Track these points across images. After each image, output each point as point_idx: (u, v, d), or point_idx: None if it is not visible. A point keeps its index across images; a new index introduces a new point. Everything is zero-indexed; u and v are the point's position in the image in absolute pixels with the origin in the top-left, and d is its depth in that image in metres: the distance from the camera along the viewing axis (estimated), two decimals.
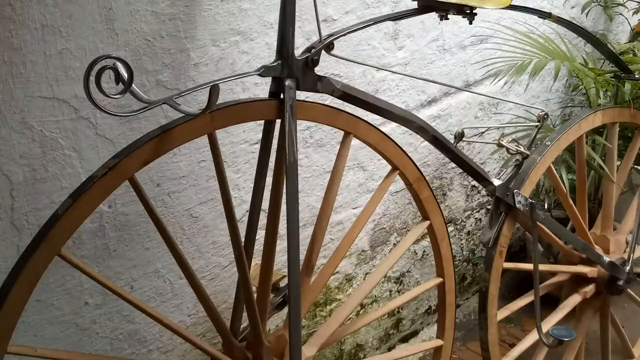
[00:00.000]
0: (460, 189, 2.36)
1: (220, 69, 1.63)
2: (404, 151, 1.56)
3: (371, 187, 2.05)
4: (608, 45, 1.89)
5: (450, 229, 2.41)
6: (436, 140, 1.59)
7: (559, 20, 1.74)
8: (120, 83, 1.12)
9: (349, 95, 1.43)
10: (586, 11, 2.37)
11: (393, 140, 1.54)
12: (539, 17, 1.72)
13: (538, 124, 1.79)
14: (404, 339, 2.37)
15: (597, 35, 2.42)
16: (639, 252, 2.04)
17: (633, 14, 2.38)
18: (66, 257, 1.14)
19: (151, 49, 1.50)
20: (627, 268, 1.94)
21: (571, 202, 1.88)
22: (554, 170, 1.83)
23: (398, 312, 2.31)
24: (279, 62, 1.32)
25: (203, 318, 1.70)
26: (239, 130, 1.69)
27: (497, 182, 1.71)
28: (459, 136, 1.68)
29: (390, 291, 2.26)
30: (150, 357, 1.65)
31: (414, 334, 2.40)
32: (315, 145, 1.88)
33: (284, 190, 1.33)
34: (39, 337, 1.46)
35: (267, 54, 1.71)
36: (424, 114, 2.15)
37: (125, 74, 1.11)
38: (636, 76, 1.94)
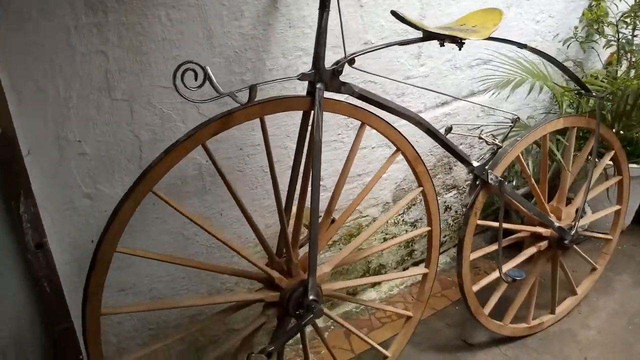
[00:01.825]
0: (462, 165, 2.20)
1: (287, 74, 1.55)
2: (405, 138, 1.44)
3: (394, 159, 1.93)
4: (570, 70, 1.67)
5: (453, 192, 2.26)
6: (430, 132, 1.46)
7: (533, 50, 1.54)
8: (207, 81, 1.08)
9: (364, 96, 1.32)
10: (567, 45, 2.11)
11: (397, 130, 1.42)
12: (518, 47, 1.53)
13: (512, 124, 1.61)
14: (415, 264, 2.26)
15: (571, 62, 2.17)
16: (586, 220, 1.84)
17: (604, 47, 2.09)
18: (157, 193, 1.13)
19: (238, 58, 1.44)
20: (573, 232, 1.75)
21: (533, 181, 1.70)
22: (522, 159, 1.65)
23: (412, 244, 2.20)
24: (313, 71, 1.24)
25: None
26: (298, 114, 1.63)
27: (475, 164, 1.56)
28: (448, 130, 1.53)
29: (406, 231, 2.15)
30: (232, 260, 1.64)
31: (424, 260, 2.28)
32: (354, 128, 1.78)
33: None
34: (157, 242, 1.47)
35: None
36: (439, 112, 2.00)
37: (202, 75, 1.07)
38: (593, 94, 1.71)
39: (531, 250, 1.75)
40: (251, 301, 1.31)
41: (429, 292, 1.64)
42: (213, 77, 1.08)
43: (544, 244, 1.76)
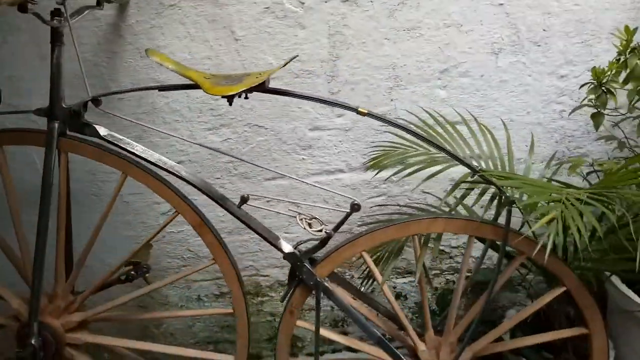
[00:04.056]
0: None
1: (142, 104, 1.48)
2: (182, 198, 1.22)
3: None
4: (448, 150, 1.14)
5: (408, 278, 1.77)
6: (213, 198, 1.20)
7: (370, 115, 1.11)
8: None
9: (111, 141, 1.18)
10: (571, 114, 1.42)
11: (171, 188, 1.22)
12: (353, 110, 1.12)
13: (348, 212, 1.19)
14: None
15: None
16: None
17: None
18: None
19: (80, 84, 1.43)
20: None
21: (390, 296, 1.24)
22: (367, 258, 1.22)
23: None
24: (48, 107, 1.16)
25: None
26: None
27: (287, 249, 1.22)
28: (243, 200, 1.22)
29: None
30: None
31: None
32: (239, 176, 1.58)
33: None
34: None
35: (186, 100, 1.49)
36: (369, 176, 1.60)
37: None
38: (505, 194, 1.13)
39: None
40: None
41: None
42: None
43: None
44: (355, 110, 1.11)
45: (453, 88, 1.52)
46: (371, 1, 1.42)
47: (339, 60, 1.47)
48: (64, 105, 1.16)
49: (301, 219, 1.21)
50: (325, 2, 1.41)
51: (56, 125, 1.16)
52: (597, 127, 1.32)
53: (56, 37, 1.13)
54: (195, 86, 1.09)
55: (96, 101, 1.16)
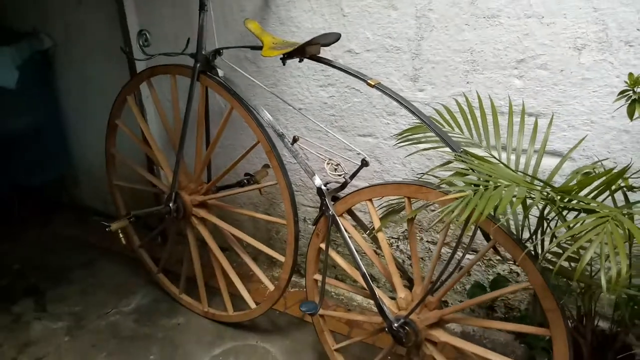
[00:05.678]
0: None
1: (277, 59, 1.92)
2: (261, 130, 1.66)
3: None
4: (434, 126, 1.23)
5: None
6: (278, 135, 1.60)
7: (377, 88, 1.31)
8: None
9: (225, 83, 1.68)
10: None
11: (255, 121, 1.67)
12: (364, 80, 1.35)
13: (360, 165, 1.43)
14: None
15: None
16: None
17: None
18: (127, 100, 2.02)
19: (242, 39, 1.97)
20: (396, 323, 1.38)
21: (379, 239, 1.45)
22: (370, 206, 1.45)
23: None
24: (195, 53, 1.73)
25: None
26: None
27: (317, 183, 1.55)
28: (294, 140, 1.55)
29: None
30: None
31: None
32: (338, 128, 1.92)
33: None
34: None
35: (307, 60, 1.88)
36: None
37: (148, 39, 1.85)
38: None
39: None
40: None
41: (284, 283, 1.79)
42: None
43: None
44: (365, 81, 1.35)
45: (529, 79, 1.53)
46: None
47: (423, 41, 1.65)
48: (203, 52, 1.71)
49: (328, 163, 1.52)
50: None
51: (198, 65, 1.73)
52: None
53: (201, 6, 1.67)
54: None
55: (219, 52, 1.68)
